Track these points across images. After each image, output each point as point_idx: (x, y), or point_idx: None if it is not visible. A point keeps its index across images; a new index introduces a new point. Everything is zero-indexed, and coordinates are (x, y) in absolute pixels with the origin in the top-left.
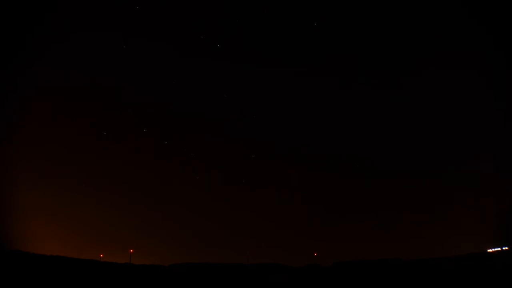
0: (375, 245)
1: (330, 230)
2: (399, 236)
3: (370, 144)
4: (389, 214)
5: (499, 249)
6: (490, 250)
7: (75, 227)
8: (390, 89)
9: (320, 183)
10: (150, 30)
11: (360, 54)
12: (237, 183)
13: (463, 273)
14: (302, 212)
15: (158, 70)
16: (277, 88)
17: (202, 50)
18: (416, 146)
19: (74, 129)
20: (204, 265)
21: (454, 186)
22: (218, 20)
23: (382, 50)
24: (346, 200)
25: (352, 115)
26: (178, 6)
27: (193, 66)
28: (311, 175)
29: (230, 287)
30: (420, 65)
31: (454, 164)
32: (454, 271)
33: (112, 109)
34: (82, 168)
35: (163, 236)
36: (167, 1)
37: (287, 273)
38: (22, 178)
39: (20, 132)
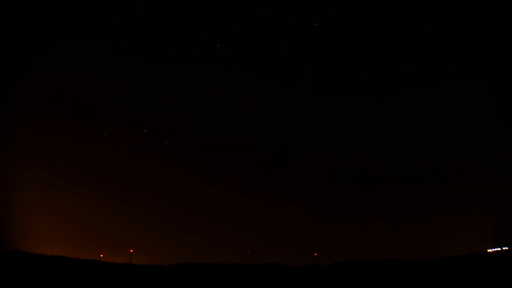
0: (375, 245)
1: (330, 230)
2: (399, 237)
3: (369, 146)
4: (389, 215)
5: (499, 249)
6: (490, 250)
7: (75, 227)
8: (390, 95)
9: (321, 184)
10: (150, 30)
11: (360, 62)
12: (238, 184)
13: (463, 273)
14: (302, 212)
15: (158, 70)
16: (277, 90)
17: (202, 50)
18: (416, 146)
19: (74, 130)
20: (204, 265)
21: (454, 186)
22: (218, 21)
23: (382, 58)
24: (346, 201)
25: (352, 119)
26: (177, 6)
27: (193, 66)
28: (311, 175)
29: (230, 287)
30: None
31: (454, 164)
32: (454, 271)
33: (112, 110)
34: (82, 168)
35: (163, 236)
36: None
37: (287, 273)
38: (23, 179)
39: (20, 133)
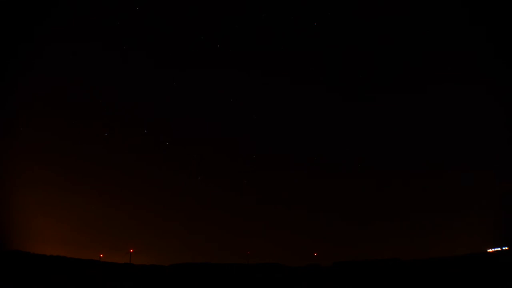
0: (375, 245)
1: (330, 230)
2: (399, 236)
3: (370, 146)
4: (389, 215)
5: (499, 249)
6: (490, 250)
7: (75, 227)
8: (390, 95)
9: (320, 184)
10: (150, 30)
11: (360, 62)
12: (238, 184)
13: (463, 273)
14: (302, 213)
15: (158, 70)
16: (277, 90)
17: (202, 50)
18: (416, 147)
19: (74, 130)
20: (204, 265)
21: (454, 186)
22: (218, 21)
23: (382, 57)
24: (346, 200)
25: (352, 119)
26: (177, 6)
27: (193, 66)
28: (311, 175)
29: (230, 287)
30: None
31: (454, 164)
32: (454, 271)
33: (112, 110)
34: (83, 168)
35: (163, 236)
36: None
37: (287, 273)
38: (23, 179)
39: (20, 133)
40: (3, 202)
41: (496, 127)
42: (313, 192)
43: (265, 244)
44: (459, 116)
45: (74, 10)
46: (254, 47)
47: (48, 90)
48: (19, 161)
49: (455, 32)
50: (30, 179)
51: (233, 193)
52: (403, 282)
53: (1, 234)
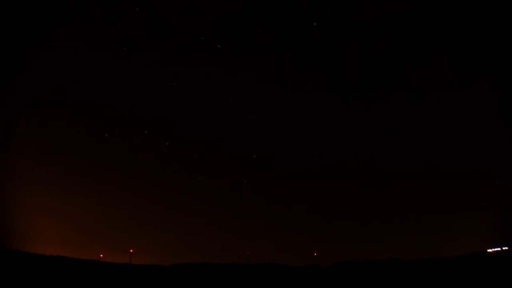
0: (375, 245)
1: (330, 230)
2: (399, 236)
3: (370, 146)
4: (389, 214)
5: (499, 249)
6: (490, 250)
7: (75, 227)
8: (390, 95)
9: (320, 184)
10: (150, 31)
11: (360, 62)
12: (238, 184)
13: (463, 273)
14: (302, 213)
15: (158, 71)
16: (277, 90)
17: (202, 50)
18: (416, 146)
19: (74, 130)
20: (204, 265)
21: (454, 186)
22: (218, 21)
23: (382, 58)
24: (346, 200)
25: (352, 119)
26: (177, 7)
27: (194, 66)
28: (311, 175)
29: (230, 287)
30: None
31: (454, 164)
32: (454, 271)
33: (113, 110)
34: (83, 168)
35: (163, 236)
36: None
37: (287, 273)
38: (23, 179)
39: (20, 133)
40: (3, 202)
41: (496, 127)
42: (313, 192)
43: (265, 244)
44: (459, 116)
45: (74, 10)
46: (254, 47)
47: (48, 90)
48: (19, 161)
49: (455, 32)
50: (30, 179)
51: (233, 193)
52: (403, 282)
53: (1, 234)
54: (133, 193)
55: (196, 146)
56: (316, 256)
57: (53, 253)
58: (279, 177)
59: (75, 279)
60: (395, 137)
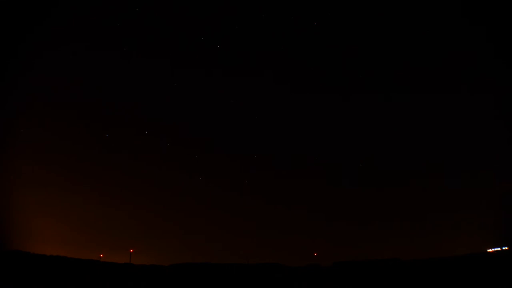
0: (375, 245)
1: (330, 230)
2: (399, 236)
3: (370, 146)
4: (389, 215)
5: (499, 249)
6: (490, 250)
7: (75, 227)
8: (390, 95)
9: (321, 184)
10: (150, 31)
11: (360, 62)
12: (238, 184)
13: (463, 273)
14: (302, 213)
15: (159, 71)
16: (277, 90)
17: (202, 51)
18: (417, 146)
19: (74, 130)
20: (204, 265)
21: (454, 186)
22: (218, 21)
23: (382, 57)
24: (346, 200)
25: (352, 119)
26: (177, 7)
27: (194, 67)
28: (311, 175)
29: (230, 287)
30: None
31: (454, 164)
32: (454, 271)
33: (113, 110)
34: (83, 168)
35: (163, 236)
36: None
37: (287, 273)
38: (23, 179)
39: (20, 133)
40: (3, 202)
41: (496, 127)
42: (314, 192)
43: (265, 244)
44: (459, 116)
45: (74, 10)
46: (254, 47)
47: (48, 90)
48: (19, 161)
49: (455, 32)
50: (30, 179)
51: (233, 193)
52: (403, 282)
53: (1, 234)
54: (133, 193)
55: (196, 146)
56: (316, 256)
57: (53, 253)
58: (279, 177)
59: (75, 279)
60: (395, 137)
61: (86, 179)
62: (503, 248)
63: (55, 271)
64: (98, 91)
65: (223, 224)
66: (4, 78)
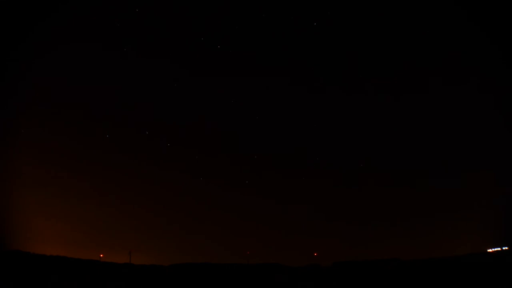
0: (375, 245)
1: (330, 230)
2: (399, 236)
3: (370, 146)
4: (389, 215)
5: (499, 249)
6: (490, 250)
7: (75, 227)
8: (390, 95)
9: (321, 184)
10: (150, 31)
11: (360, 62)
12: (238, 184)
13: (463, 273)
14: (302, 213)
15: (159, 72)
16: (278, 90)
17: (202, 51)
18: (417, 147)
19: (74, 130)
20: (204, 265)
21: (454, 187)
22: (218, 21)
23: (382, 57)
24: (346, 200)
25: (353, 119)
26: (177, 7)
27: (194, 67)
28: (312, 175)
29: (230, 287)
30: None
31: (455, 164)
32: (454, 271)
33: (113, 111)
34: (83, 169)
35: (163, 236)
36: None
37: (287, 273)
38: (23, 179)
39: (20, 133)
40: (3, 202)
41: (496, 128)
42: (314, 192)
43: (265, 244)
44: (459, 116)
45: (74, 10)
46: (254, 47)
47: (48, 90)
48: (19, 161)
49: (455, 32)
50: (30, 179)
51: (233, 193)
52: (403, 282)
53: (1, 234)
54: (133, 193)
55: (197, 146)
56: (316, 256)
57: (53, 253)
58: (279, 177)
59: (75, 279)
60: (396, 137)
61: (86, 179)
62: (503, 248)
63: (55, 271)
64: (98, 91)
65: (223, 224)
66: (4, 78)
